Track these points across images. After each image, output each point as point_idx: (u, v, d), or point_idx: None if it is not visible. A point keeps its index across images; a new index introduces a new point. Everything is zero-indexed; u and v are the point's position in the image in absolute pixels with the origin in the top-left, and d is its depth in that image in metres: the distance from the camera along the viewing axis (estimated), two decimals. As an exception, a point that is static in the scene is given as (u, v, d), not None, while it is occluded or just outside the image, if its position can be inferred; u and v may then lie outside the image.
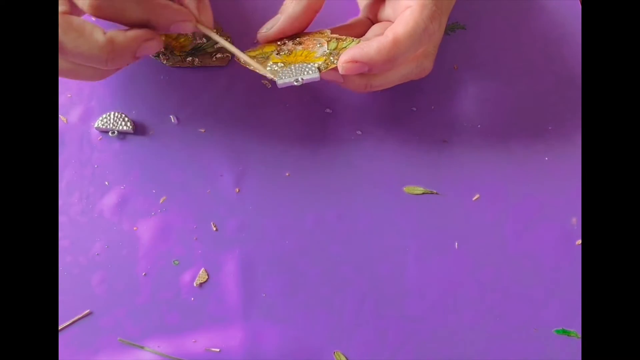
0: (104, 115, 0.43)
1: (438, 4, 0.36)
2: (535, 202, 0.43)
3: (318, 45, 0.39)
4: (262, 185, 0.43)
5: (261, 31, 0.40)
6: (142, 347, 0.40)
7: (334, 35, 0.39)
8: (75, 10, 0.35)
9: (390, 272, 0.41)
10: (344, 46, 0.38)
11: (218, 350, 0.39)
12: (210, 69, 0.45)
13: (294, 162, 0.43)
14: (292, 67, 0.37)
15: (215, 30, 0.38)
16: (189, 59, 0.45)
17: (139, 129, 0.43)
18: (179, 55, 0.45)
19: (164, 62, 0.44)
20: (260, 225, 0.42)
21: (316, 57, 0.38)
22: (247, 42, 0.43)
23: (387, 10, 0.40)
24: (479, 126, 0.44)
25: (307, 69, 0.37)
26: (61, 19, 0.33)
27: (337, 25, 0.41)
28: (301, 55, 0.38)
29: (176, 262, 0.41)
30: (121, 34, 0.35)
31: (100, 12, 0.34)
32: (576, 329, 0.40)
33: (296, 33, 0.40)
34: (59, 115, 0.44)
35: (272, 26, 0.39)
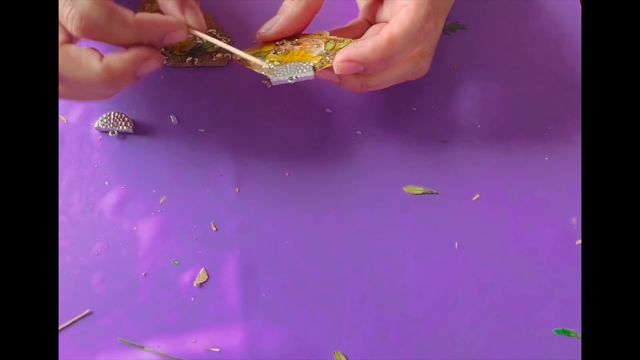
0: (104, 115, 0.43)
1: (434, 3, 0.36)
2: (535, 202, 0.43)
3: (315, 46, 0.39)
4: (262, 185, 0.43)
5: (260, 31, 0.40)
6: (142, 347, 0.40)
7: (332, 37, 0.39)
8: (73, 37, 0.35)
9: (390, 272, 0.41)
10: (341, 47, 0.38)
11: (218, 350, 0.39)
12: (210, 69, 0.45)
13: (294, 162, 0.43)
14: (287, 66, 0.37)
15: (211, 32, 0.38)
16: (189, 59, 0.45)
17: (139, 129, 0.43)
18: (179, 55, 0.45)
19: (164, 62, 0.44)
20: (260, 225, 0.42)
21: (312, 57, 0.38)
22: (248, 41, 0.43)
23: (384, 12, 0.40)
24: (479, 126, 0.44)
25: (302, 68, 0.37)
26: (60, 50, 0.34)
27: (336, 28, 0.41)
28: (298, 54, 0.38)
29: (176, 262, 0.41)
30: (117, 58, 0.34)
31: (89, 35, 0.33)
32: (576, 329, 0.40)
33: (295, 34, 0.40)
34: (59, 115, 0.44)
35: (270, 27, 0.39)
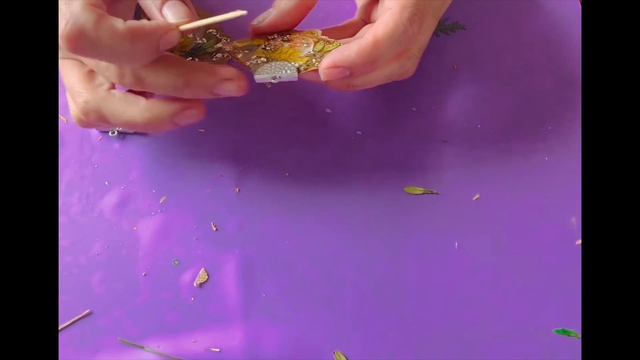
0: (104, 115, 0.43)
1: (419, 7, 0.36)
2: (535, 202, 0.43)
3: (305, 45, 0.39)
4: (262, 185, 0.43)
5: (252, 23, 0.40)
6: (142, 347, 0.40)
7: (324, 37, 0.39)
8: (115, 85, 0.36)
9: (390, 272, 0.41)
10: (329, 49, 0.38)
11: (218, 350, 0.39)
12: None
13: (294, 162, 0.43)
14: (273, 64, 0.37)
15: (211, 31, 0.38)
16: (189, 59, 0.45)
17: (139, 129, 0.43)
18: (179, 55, 0.45)
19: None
20: (260, 225, 0.42)
21: (299, 57, 0.38)
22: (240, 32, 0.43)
23: (378, 12, 0.41)
24: (479, 126, 0.44)
25: (286, 68, 0.37)
26: (107, 94, 0.36)
27: (331, 27, 0.41)
28: (286, 53, 0.38)
29: (176, 262, 0.41)
30: (160, 102, 0.36)
31: (77, 45, 0.32)
32: (576, 329, 0.40)
33: (288, 29, 0.40)
34: (59, 115, 0.44)
35: (263, 19, 0.39)
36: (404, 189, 0.43)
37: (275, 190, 0.43)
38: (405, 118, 0.44)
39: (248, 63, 0.38)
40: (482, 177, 0.43)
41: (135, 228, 0.42)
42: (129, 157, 0.43)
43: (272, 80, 0.37)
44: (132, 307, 0.40)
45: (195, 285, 0.41)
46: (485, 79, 0.45)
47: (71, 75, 0.37)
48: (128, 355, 0.39)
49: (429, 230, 0.42)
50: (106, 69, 0.35)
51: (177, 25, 0.34)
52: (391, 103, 0.45)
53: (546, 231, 0.42)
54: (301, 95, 0.45)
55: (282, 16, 0.39)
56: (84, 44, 0.31)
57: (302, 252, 0.41)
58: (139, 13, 0.42)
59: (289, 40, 0.39)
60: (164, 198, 0.42)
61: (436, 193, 0.43)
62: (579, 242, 0.42)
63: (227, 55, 0.45)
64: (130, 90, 0.37)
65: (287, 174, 0.43)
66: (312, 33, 0.40)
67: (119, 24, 0.31)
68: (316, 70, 0.37)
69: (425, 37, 0.40)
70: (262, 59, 0.38)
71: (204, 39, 0.45)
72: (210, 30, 0.45)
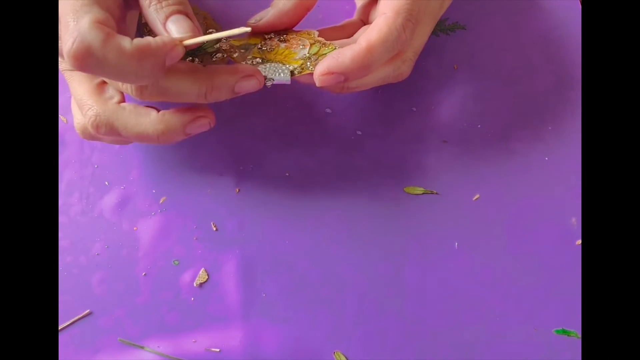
0: (104, 115, 0.43)
1: (413, 12, 0.37)
2: (535, 202, 0.43)
3: (301, 47, 0.39)
4: (262, 185, 0.43)
5: (249, 22, 0.40)
6: (142, 347, 0.40)
7: (320, 39, 0.39)
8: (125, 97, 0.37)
9: (390, 272, 0.41)
10: (324, 53, 0.38)
11: (218, 350, 0.39)
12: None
13: (294, 162, 0.43)
14: (268, 66, 0.38)
15: (211, 32, 0.37)
16: (189, 59, 0.45)
17: (139, 129, 0.43)
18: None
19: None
20: (260, 225, 0.42)
21: (295, 59, 0.38)
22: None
23: (376, 14, 0.41)
24: (479, 126, 0.44)
25: (280, 71, 0.37)
26: (117, 108, 0.36)
27: (329, 26, 0.41)
28: (281, 54, 0.38)
29: (176, 262, 0.41)
30: (171, 113, 0.36)
31: (83, 63, 0.32)
32: (576, 329, 0.40)
33: (285, 29, 0.40)
34: (59, 115, 0.44)
35: (260, 18, 0.39)
36: (404, 189, 0.43)
37: (275, 190, 0.43)
38: (405, 118, 0.44)
39: (243, 63, 0.38)
40: (482, 177, 0.43)
41: (135, 228, 0.42)
42: (129, 157, 0.43)
43: (266, 83, 0.37)
44: (132, 307, 0.40)
45: (195, 285, 0.41)
46: (485, 79, 0.45)
47: (80, 88, 0.37)
48: (128, 355, 0.39)
49: (429, 230, 0.42)
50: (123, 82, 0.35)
51: (181, 41, 0.34)
52: (391, 103, 0.45)
53: (546, 231, 0.42)
54: (301, 95, 0.45)
55: (280, 16, 0.39)
56: (90, 62, 0.31)
57: (302, 252, 0.41)
58: (139, 24, 0.43)
59: (285, 41, 0.39)
60: (164, 198, 0.42)
61: (436, 193, 0.43)
62: (579, 242, 0.42)
63: (227, 56, 0.45)
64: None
65: (287, 174, 0.43)
66: (308, 34, 0.40)
67: (126, 43, 0.31)
68: (310, 74, 0.37)
69: (420, 40, 0.40)
70: (257, 59, 0.38)
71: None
72: (210, 30, 0.45)
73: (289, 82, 0.37)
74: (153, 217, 0.42)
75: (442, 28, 0.46)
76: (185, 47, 0.34)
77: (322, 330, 0.40)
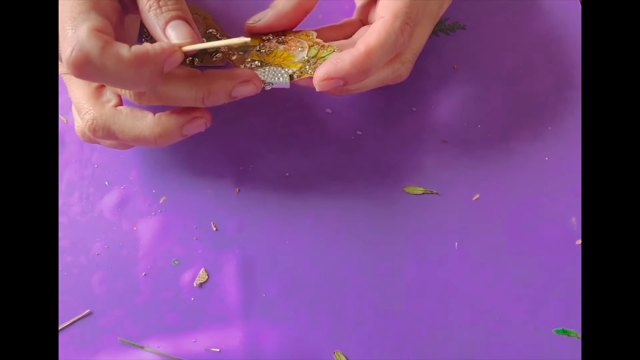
0: (104, 115, 0.43)
1: (411, 15, 0.37)
2: (535, 202, 0.43)
3: (299, 49, 0.39)
4: (262, 185, 0.43)
5: (248, 23, 0.40)
6: (142, 347, 0.40)
7: (318, 41, 0.39)
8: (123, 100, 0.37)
9: (390, 272, 0.41)
10: (323, 55, 0.38)
11: (218, 350, 0.39)
12: (210, 68, 0.45)
13: (294, 162, 0.43)
14: (267, 69, 0.38)
15: (211, 32, 0.38)
16: (189, 58, 0.45)
17: (139, 129, 0.43)
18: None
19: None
20: (260, 225, 0.42)
21: (293, 62, 0.38)
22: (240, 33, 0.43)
23: (375, 15, 0.41)
24: (479, 126, 0.44)
25: (279, 74, 0.37)
26: (114, 111, 0.36)
27: (328, 25, 0.41)
28: (280, 57, 0.38)
29: (176, 262, 0.41)
30: (167, 115, 0.36)
31: (82, 70, 0.32)
32: (576, 329, 0.40)
33: (284, 30, 0.40)
34: (59, 115, 0.44)
35: (259, 19, 0.39)
36: (404, 189, 0.43)
37: (275, 191, 0.43)
38: (405, 118, 0.44)
39: (242, 66, 0.38)
40: (482, 177, 0.43)
41: (135, 228, 0.42)
42: (129, 157, 0.43)
43: (265, 87, 0.37)
44: (132, 307, 0.40)
45: (195, 285, 0.41)
46: (485, 79, 0.45)
47: (78, 92, 0.37)
48: (128, 355, 0.39)
49: (429, 230, 0.42)
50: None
51: (181, 46, 0.34)
52: (391, 103, 0.45)
53: (546, 231, 0.42)
54: (301, 95, 0.45)
55: (279, 18, 0.39)
56: (89, 70, 0.31)
57: (302, 252, 0.41)
58: (141, 30, 0.43)
59: (283, 42, 0.39)
60: (164, 198, 0.42)
61: (436, 193, 0.43)
62: (579, 242, 0.42)
63: (225, 56, 0.45)
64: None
65: (287, 174, 0.43)
66: (307, 35, 0.40)
67: (125, 50, 0.32)
68: (310, 78, 0.37)
69: (419, 42, 0.40)
70: (256, 62, 0.38)
71: (204, 39, 0.45)
72: (210, 30, 0.45)
73: (288, 86, 0.38)
74: (153, 217, 0.42)
75: (442, 28, 0.46)
76: (184, 53, 0.34)
77: (322, 330, 0.40)
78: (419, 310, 0.40)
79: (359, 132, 0.44)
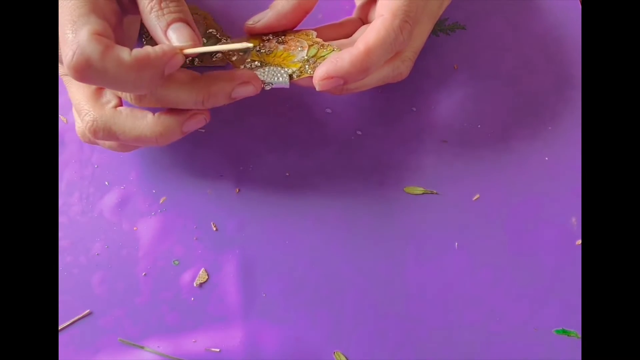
0: (104, 115, 0.43)
1: (410, 14, 0.37)
2: (535, 202, 0.43)
3: (299, 49, 0.39)
4: (262, 185, 0.43)
5: (248, 23, 0.40)
6: (142, 347, 0.40)
7: (318, 40, 0.39)
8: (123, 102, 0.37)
9: (390, 272, 0.41)
10: (322, 55, 0.38)
11: (218, 350, 0.39)
12: (210, 68, 0.45)
13: (294, 162, 0.43)
14: (267, 69, 0.38)
15: (211, 32, 0.38)
16: (189, 59, 0.45)
17: (139, 129, 0.43)
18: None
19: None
20: (260, 225, 0.42)
21: (293, 62, 0.38)
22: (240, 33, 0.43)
23: (374, 14, 0.41)
24: (479, 126, 0.44)
25: (279, 74, 0.38)
26: (114, 112, 0.36)
27: (328, 24, 0.41)
28: (280, 56, 0.38)
29: (176, 262, 0.41)
30: (167, 114, 0.36)
31: (83, 74, 0.32)
32: (576, 329, 0.40)
33: (283, 30, 0.40)
34: (59, 115, 0.44)
35: (259, 20, 0.39)
36: (404, 189, 0.43)
37: (275, 190, 0.43)
38: (405, 118, 0.44)
39: (242, 67, 0.38)
40: (482, 177, 0.43)
41: (135, 228, 0.42)
42: (129, 157, 0.43)
43: (265, 87, 0.37)
44: (132, 307, 0.40)
45: (195, 285, 0.41)
46: (485, 79, 0.45)
47: (78, 93, 0.37)
48: (128, 355, 0.39)
49: (429, 230, 0.42)
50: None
51: (182, 49, 0.34)
52: (391, 103, 0.45)
53: (546, 231, 0.42)
54: (301, 95, 0.45)
55: (279, 18, 0.39)
56: (90, 74, 0.31)
57: (302, 252, 0.41)
58: (142, 30, 0.43)
59: (283, 42, 0.39)
60: (164, 198, 0.42)
61: (436, 193, 0.43)
62: (579, 242, 0.42)
63: (225, 57, 0.45)
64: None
65: (287, 174, 0.43)
66: (306, 34, 0.40)
67: (125, 54, 0.32)
68: (309, 77, 0.37)
69: (419, 40, 0.40)
70: (256, 62, 0.38)
71: (204, 39, 0.45)
72: (210, 30, 0.45)
73: (287, 86, 0.38)
74: (153, 217, 0.42)
75: (442, 28, 0.46)
76: (185, 55, 0.34)
77: (322, 330, 0.40)
78: (419, 310, 0.40)
79: (359, 132, 0.44)
